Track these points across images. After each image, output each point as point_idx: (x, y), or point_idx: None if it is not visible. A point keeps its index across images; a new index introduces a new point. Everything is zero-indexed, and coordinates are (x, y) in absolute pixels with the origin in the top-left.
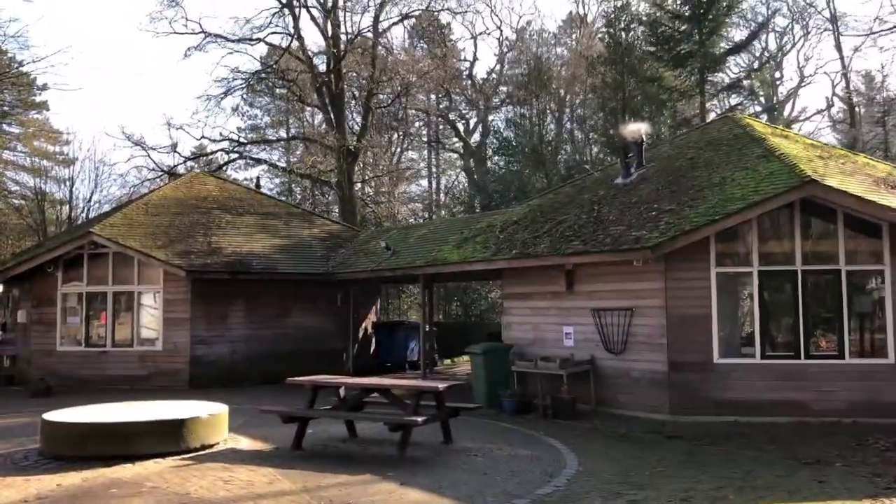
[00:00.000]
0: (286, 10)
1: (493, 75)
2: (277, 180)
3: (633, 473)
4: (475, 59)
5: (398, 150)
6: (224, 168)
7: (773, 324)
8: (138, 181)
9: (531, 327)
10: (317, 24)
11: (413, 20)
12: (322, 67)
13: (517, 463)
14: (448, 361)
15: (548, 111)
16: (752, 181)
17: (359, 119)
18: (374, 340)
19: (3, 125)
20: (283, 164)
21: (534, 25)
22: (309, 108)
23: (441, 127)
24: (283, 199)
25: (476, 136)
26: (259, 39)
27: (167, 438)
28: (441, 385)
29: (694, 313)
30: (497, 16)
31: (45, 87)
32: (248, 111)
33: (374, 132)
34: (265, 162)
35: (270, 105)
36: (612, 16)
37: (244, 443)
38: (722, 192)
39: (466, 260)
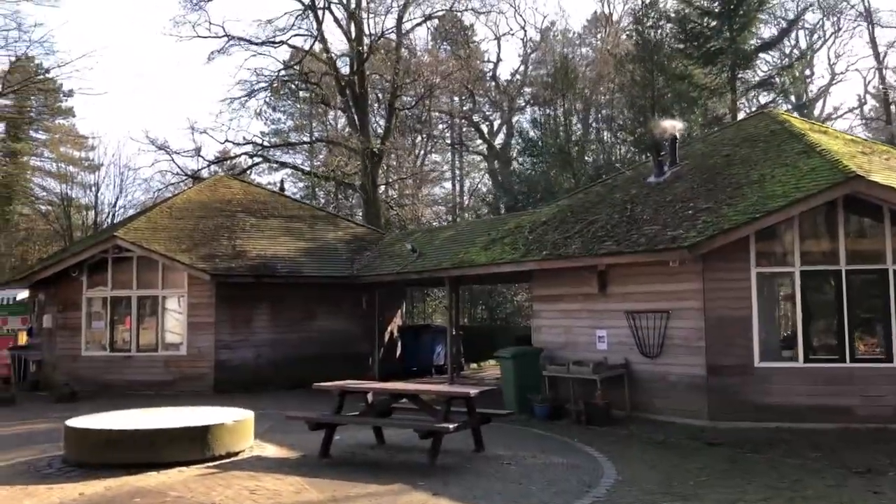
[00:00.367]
0: (309, 12)
1: (517, 76)
2: (301, 184)
3: (676, 483)
4: (499, 60)
5: (422, 152)
6: (248, 172)
7: (816, 326)
8: (162, 185)
9: (562, 330)
10: (340, 25)
11: (436, 21)
12: (345, 69)
13: (552, 471)
14: (474, 366)
15: (574, 111)
16: (793, 178)
17: (382, 121)
18: (399, 344)
19: (31, 131)
20: (307, 168)
21: (558, 26)
22: (332, 111)
23: (464, 129)
24: (307, 202)
25: (500, 138)
26: (282, 42)
27: (192, 446)
28: (472, 391)
29: (733, 315)
30: (521, 16)
31: (70, 93)
32: (270, 115)
33: (398, 134)
34: (289, 165)
35: (293, 109)
36: (640, 13)
37: (270, 450)
38: (762, 189)
39: (495, 262)
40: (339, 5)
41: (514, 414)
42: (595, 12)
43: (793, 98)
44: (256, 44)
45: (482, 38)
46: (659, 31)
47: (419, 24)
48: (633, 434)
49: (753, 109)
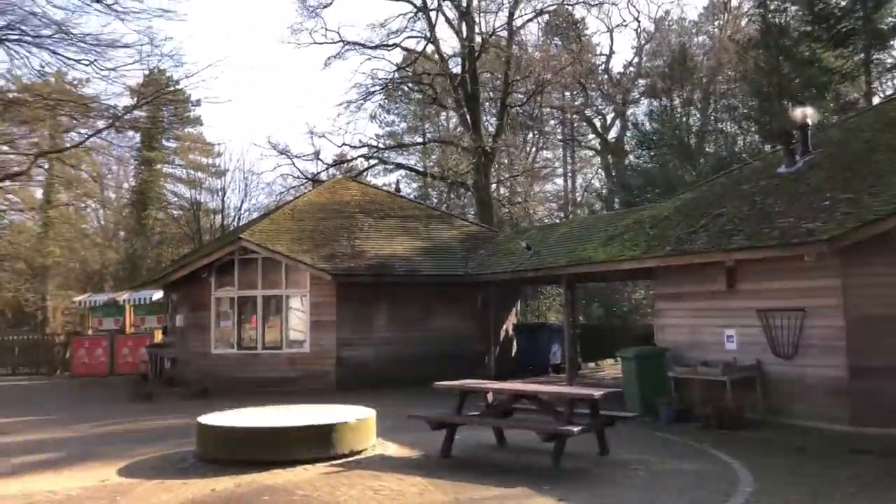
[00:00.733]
0: (421, 14)
1: (631, 68)
2: (415, 184)
3: (821, 494)
4: (611, 52)
5: (533, 149)
6: (364, 174)
7: None
8: (284, 189)
9: (688, 330)
10: (451, 25)
11: (547, 16)
12: (457, 69)
13: (684, 478)
14: (592, 365)
15: (692, 101)
16: None
17: (494, 120)
18: (514, 343)
19: (163, 140)
20: (420, 168)
21: (673, 14)
22: (444, 112)
23: (576, 124)
24: (422, 202)
25: (614, 132)
26: (395, 45)
27: (317, 444)
28: (596, 392)
29: (880, 313)
30: (634, 7)
31: (198, 103)
32: (385, 118)
33: (510, 132)
34: (403, 166)
35: (406, 110)
36: None
37: (392, 449)
38: None
39: (614, 259)
40: (450, 5)
41: (638, 416)
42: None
43: None
44: (370, 47)
45: (594, 31)
46: (784, 14)
47: (530, 20)
48: (767, 439)
49: (890, 93)
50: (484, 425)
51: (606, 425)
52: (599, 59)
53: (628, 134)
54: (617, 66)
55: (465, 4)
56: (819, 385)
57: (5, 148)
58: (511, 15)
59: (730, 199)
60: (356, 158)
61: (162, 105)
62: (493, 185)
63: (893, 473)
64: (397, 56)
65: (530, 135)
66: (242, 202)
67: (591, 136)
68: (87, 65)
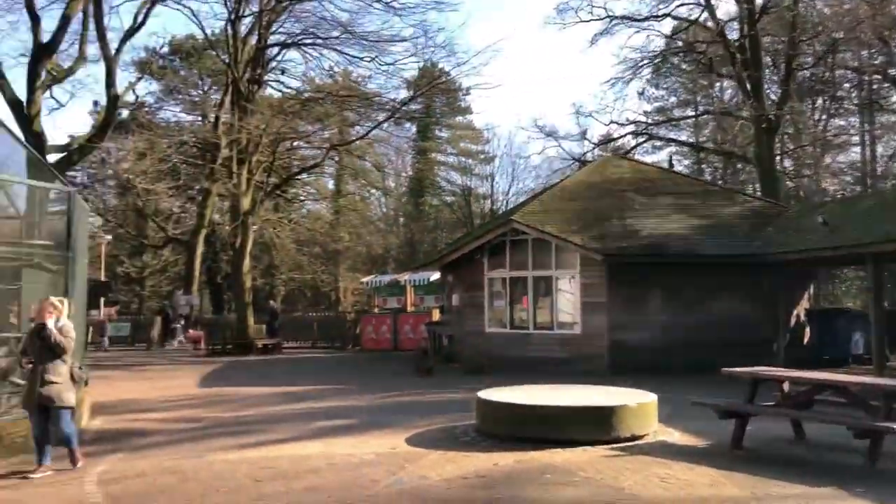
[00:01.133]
0: None
1: None
2: (686, 161)
3: None
4: None
5: (823, 116)
6: (632, 152)
7: None
8: (550, 172)
9: None
10: None
11: None
12: (734, 35)
13: None
14: None
15: None
16: None
17: (776, 87)
18: (807, 330)
19: (436, 130)
20: (692, 143)
21: None
22: (718, 83)
23: (876, 86)
24: (697, 178)
25: None
26: (666, 14)
27: (597, 426)
28: None
29: None
30: None
31: (468, 91)
32: (653, 93)
33: (796, 99)
34: (674, 142)
35: (676, 84)
36: None
37: (675, 436)
38: None
39: None
40: None
41: None
42: None
43: None
44: (639, 20)
45: None
46: None
47: None
48: None
49: None
50: (780, 416)
51: None
52: None
53: None
54: None
55: None
56: None
57: (303, 144)
58: None
59: None
60: (623, 136)
61: (434, 96)
62: (777, 157)
63: None
64: (667, 27)
65: (820, 100)
66: (510, 186)
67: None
68: (369, 61)
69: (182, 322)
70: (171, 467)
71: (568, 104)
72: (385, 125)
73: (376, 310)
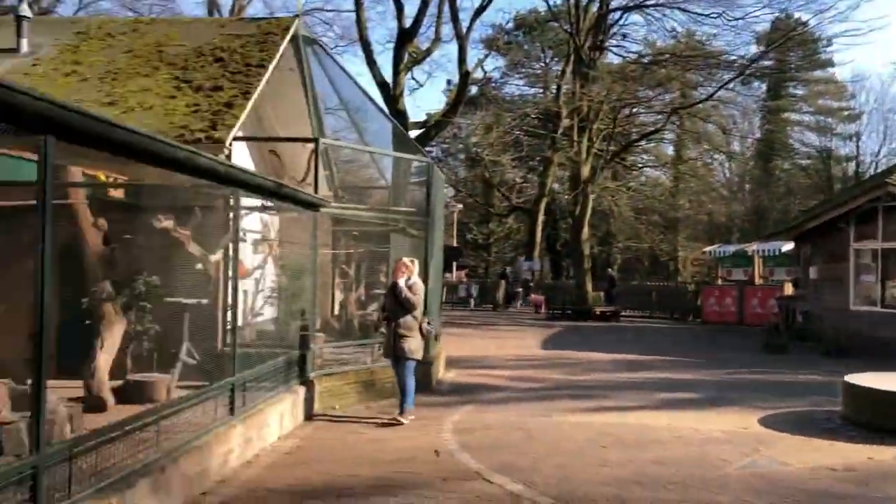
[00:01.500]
0: None
1: None
2: None
3: None
4: None
5: None
6: None
7: None
8: None
9: None
10: None
11: None
12: None
13: None
14: None
15: None
16: None
17: None
18: None
19: (790, 88)
20: None
21: None
22: None
23: None
24: None
25: None
26: None
27: None
28: None
29: None
30: None
31: (829, 42)
32: None
33: None
34: None
35: None
36: None
37: None
38: None
39: None
40: None
41: None
42: None
43: None
44: None
45: None
46: None
47: None
48: None
49: None
50: None
51: None
52: None
53: None
54: None
55: None
56: None
57: (644, 109)
58: None
59: None
60: None
61: (789, 49)
62: None
63: None
64: None
65: None
66: (880, 147)
67: None
68: (716, 17)
69: (522, 287)
70: (517, 423)
71: None
72: (732, 85)
73: (719, 281)
